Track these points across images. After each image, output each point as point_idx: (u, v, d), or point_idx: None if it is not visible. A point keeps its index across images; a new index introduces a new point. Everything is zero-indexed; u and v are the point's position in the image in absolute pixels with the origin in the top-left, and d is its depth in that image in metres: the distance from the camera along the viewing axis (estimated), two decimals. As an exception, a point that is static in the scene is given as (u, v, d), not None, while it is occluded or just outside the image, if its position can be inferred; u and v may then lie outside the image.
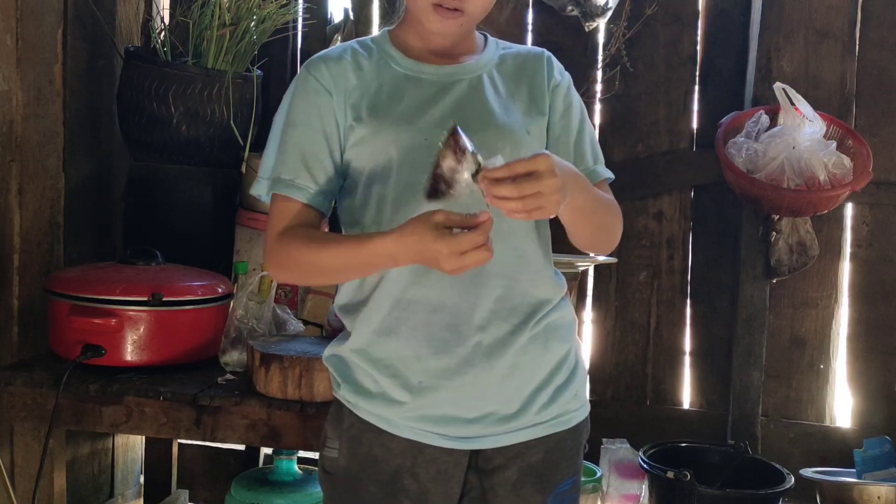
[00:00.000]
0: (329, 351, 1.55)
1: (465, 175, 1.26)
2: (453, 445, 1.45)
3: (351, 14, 2.94)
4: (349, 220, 1.53)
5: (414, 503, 1.47)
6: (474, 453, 1.47)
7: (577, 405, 1.54)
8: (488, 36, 1.61)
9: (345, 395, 1.50)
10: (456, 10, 1.45)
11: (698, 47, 2.92)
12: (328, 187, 1.49)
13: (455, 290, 1.43)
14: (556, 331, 1.51)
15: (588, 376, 1.62)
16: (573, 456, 1.55)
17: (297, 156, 1.48)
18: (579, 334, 2.97)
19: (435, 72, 1.52)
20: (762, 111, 2.66)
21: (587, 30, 2.82)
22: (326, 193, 1.50)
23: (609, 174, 1.62)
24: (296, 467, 2.51)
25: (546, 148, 1.54)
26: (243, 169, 2.55)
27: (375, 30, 3.03)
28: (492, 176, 1.25)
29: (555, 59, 1.61)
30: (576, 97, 1.61)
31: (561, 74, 1.59)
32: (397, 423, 1.46)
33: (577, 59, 2.90)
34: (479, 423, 1.45)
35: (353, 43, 1.58)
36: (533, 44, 2.94)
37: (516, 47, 1.62)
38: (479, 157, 1.27)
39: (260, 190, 1.53)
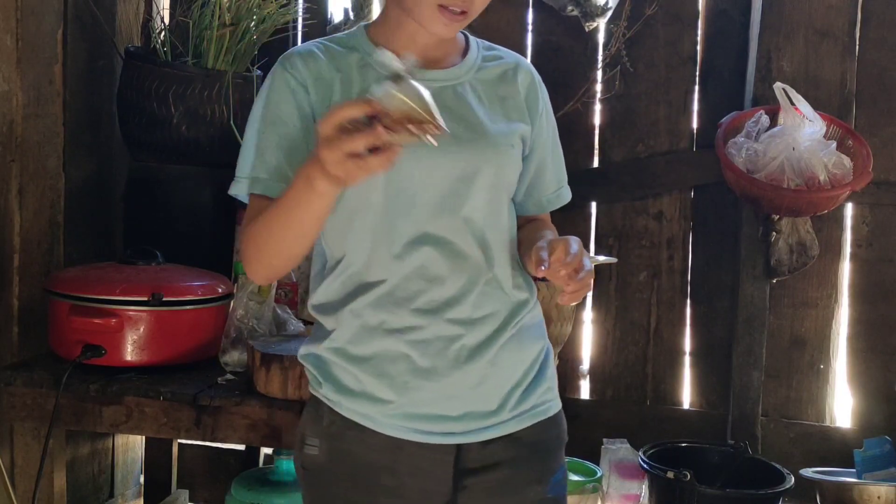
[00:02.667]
0: (305, 350, 1.52)
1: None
2: (435, 441, 1.45)
3: (351, 14, 2.94)
4: (330, 224, 1.46)
5: (390, 498, 1.47)
6: (459, 455, 1.47)
7: (551, 396, 1.56)
8: (469, 36, 1.58)
9: (326, 393, 1.49)
10: (462, 12, 1.42)
11: (698, 47, 2.92)
12: None
13: (448, 291, 1.44)
14: (530, 330, 1.53)
15: (557, 374, 1.63)
16: (558, 446, 1.57)
17: (276, 154, 1.43)
18: (580, 334, 2.98)
19: (420, 76, 1.51)
20: (762, 111, 2.66)
21: (587, 30, 2.82)
22: None
23: (569, 195, 1.66)
24: (296, 467, 2.51)
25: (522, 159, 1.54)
26: (243, 169, 2.55)
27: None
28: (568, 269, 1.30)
29: (534, 71, 1.59)
30: (550, 111, 1.61)
31: (540, 86, 1.59)
32: (380, 420, 1.45)
33: (577, 59, 2.90)
34: (461, 420, 1.46)
35: (323, 40, 1.52)
36: (533, 44, 2.94)
37: (496, 51, 1.59)
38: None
39: (238, 190, 1.49)
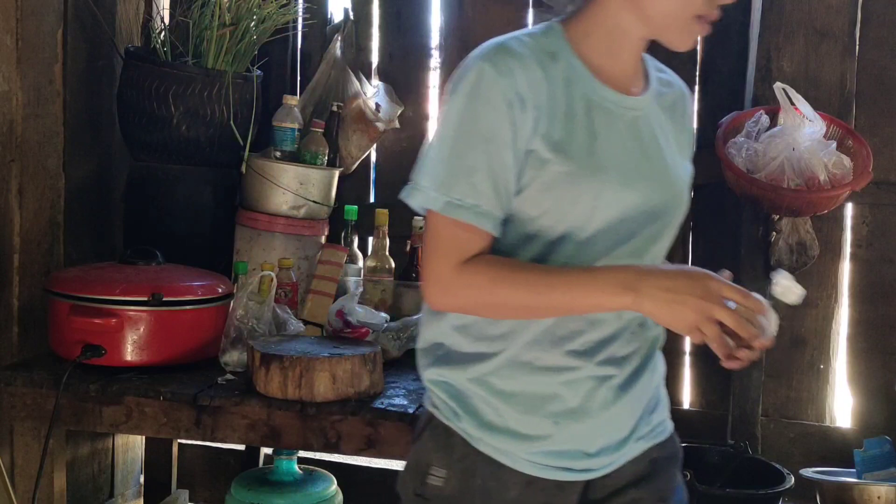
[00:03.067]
0: (437, 374, 1.42)
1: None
2: (569, 478, 1.41)
3: (351, 14, 2.94)
4: None
5: None
6: (586, 488, 1.43)
7: (666, 415, 1.53)
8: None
9: (465, 427, 1.39)
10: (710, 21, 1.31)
11: (698, 47, 2.91)
12: (508, 213, 1.34)
13: (604, 332, 1.39)
14: (657, 355, 1.51)
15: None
16: (676, 464, 1.53)
17: (488, 180, 1.28)
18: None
19: (619, 102, 1.36)
20: (762, 111, 2.66)
21: (587, 30, 2.81)
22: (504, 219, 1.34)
23: None
24: (296, 467, 2.52)
25: None
26: (243, 169, 2.55)
27: (376, 30, 3.02)
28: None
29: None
30: None
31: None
32: (519, 457, 1.39)
33: (577, 59, 2.90)
34: (598, 456, 1.42)
35: (527, 38, 1.35)
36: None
37: (666, 74, 1.49)
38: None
39: (423, 202, 1.31)
